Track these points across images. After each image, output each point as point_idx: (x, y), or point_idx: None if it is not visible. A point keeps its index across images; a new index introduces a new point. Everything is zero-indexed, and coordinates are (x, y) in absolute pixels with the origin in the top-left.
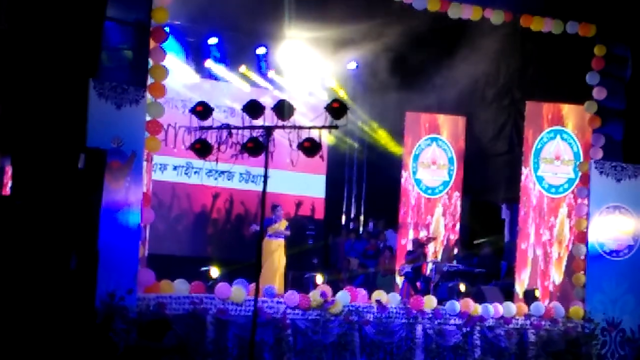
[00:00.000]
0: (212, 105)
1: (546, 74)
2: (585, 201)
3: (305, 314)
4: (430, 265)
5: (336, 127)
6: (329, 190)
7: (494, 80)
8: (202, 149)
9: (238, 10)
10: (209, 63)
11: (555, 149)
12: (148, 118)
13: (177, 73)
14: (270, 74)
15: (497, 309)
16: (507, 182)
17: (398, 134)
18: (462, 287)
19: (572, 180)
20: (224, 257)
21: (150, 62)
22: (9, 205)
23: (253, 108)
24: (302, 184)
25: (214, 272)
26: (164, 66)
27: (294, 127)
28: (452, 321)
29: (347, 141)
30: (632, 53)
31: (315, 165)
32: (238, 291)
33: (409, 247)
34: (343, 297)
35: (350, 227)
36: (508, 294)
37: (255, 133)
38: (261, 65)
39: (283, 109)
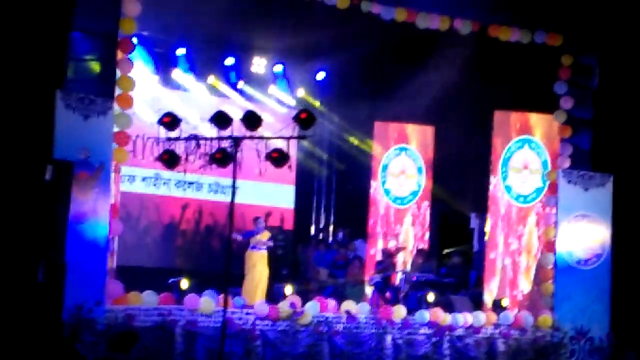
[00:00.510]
0: (180, 116)
1: (514, 84)
2: (554, 210)
3: (274, 324)
4: (399, 275)
5: (304, 137)
6: (298, 200)
7: (462, 90)
8: (169, 160)
9: (207, 20)
10: (177, 74)
11: (524, 158)
12: (116, 129)
13: (146, 84)
14: (239, 84)
15: (467, 318)
16: (475, 192)
17: (367, 144)
18: (431, 297)
19: (540, 190)
20: (194, 269)
21: (118, 73)
22: None
23: (221, 119)
24: (271, 194)
25: (184, 283)
26: (132, 77)
27: (262, 137)
28: (421, 331)
29: (316, 151)
30: (598, 62)
31: (284, 175)
32: (207, 302)
33: (379, 257)
34: (312, 308)
35: (320, 237)
36: (477, 304)
37: (223, 144)
38: (230, 75)
39: (251, 120)
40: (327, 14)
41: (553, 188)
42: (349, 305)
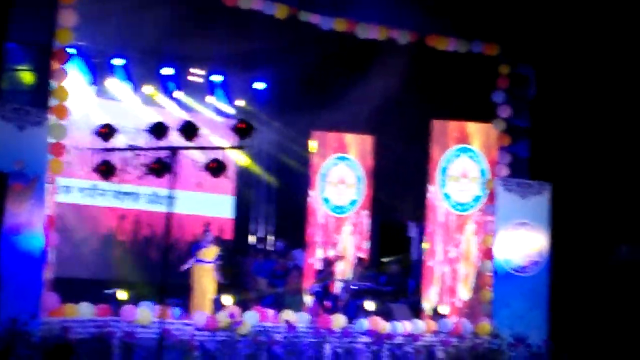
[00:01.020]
0: (116, 127)
1: (452, 93)
2: (492, 218)
3: (213, 335)
4: (338, 284)
5: (242, 147)
6: (237, 210)
7: (401, 99)
8: (106, 170)
9: (145, 30)
10: (114, 84)
11: (462, 167)
12: (51, 140)
13: (82, 94)
14: (177, 94)
15: (406, 326)
16: (414, 200)
17: (305, 153)
18: (370, 305)
19: (478, 198)
20: (131, 280)
21: (54, 83)
22: None
23: (158, 129)
24: (210, 204)
25: (121, 294)
26: (67, 88)
27: (200, 147)
28: (361, 339)
29: (255, 161)
30: (535, 72)
31: (223, 185)
32: (144, 313)
33: (318, 266)
34: (252, 318)
35: (259, 247)
36: (416, 312)
37: (160, 154)
38: (168, 85)
39: (189, 130)
40: (266, 23)
41: (491, 196)
42: (288, 314)
